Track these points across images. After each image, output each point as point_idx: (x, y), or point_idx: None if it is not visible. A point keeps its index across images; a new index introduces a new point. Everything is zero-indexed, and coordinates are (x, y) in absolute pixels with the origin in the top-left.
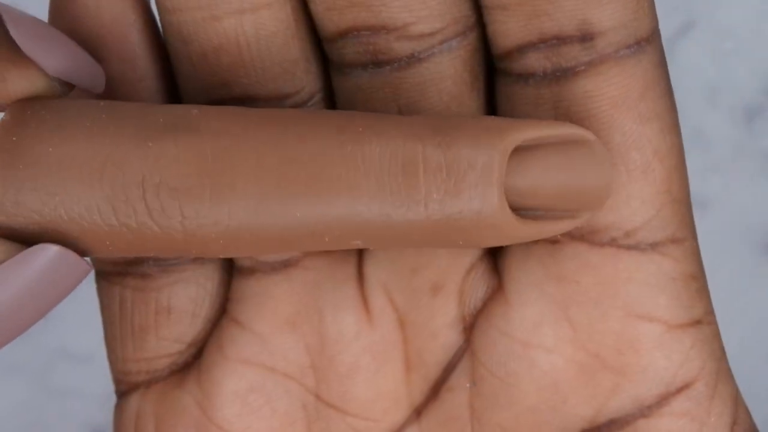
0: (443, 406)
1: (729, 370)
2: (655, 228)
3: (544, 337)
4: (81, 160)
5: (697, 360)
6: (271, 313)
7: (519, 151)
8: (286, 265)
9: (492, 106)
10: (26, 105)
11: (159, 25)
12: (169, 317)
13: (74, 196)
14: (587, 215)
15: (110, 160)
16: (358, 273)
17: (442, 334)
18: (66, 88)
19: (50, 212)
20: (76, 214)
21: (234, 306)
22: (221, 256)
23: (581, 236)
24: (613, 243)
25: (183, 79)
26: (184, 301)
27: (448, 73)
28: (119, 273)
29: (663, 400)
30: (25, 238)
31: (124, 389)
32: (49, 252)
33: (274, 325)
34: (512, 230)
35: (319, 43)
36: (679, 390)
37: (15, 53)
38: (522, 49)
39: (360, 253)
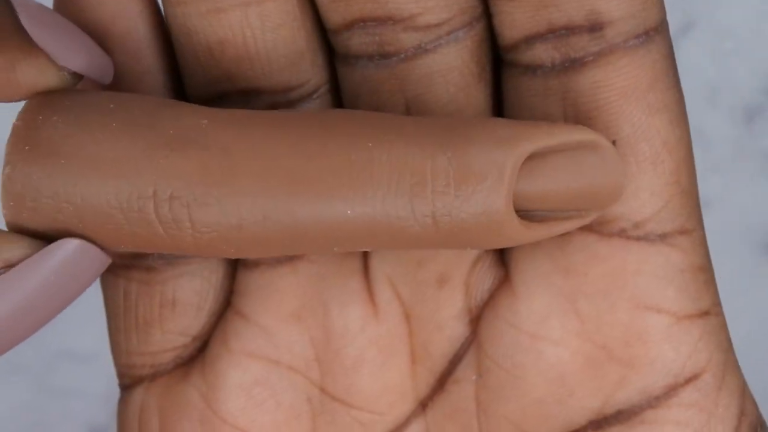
0: (449, 398)
1: (736, 362)
2: (664, 219)
3: (552, 329)
4: (94, 171)
5: (704, 351)
6: (276, 306)
7: (529, 158)
8: (291, 258)
9: (499, 97)
10: (38, 107)
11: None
12: (174, 310)
13: (87, 204)
14: (596, 215)
15: (122, 173)
16: (364, 266)
17: (448, 327)
18: (75, 79)
19: (64, 218)
20: (90, 221)
21: (239, 299)
22: (230, 257)
23: (590, 228)
24: (621, 234)
25: (188, 72)
26: (189, 294)
27: (455, 64)
28: (124, 266)
29: (671, 391)
30: (42, 237)
31: (128, 383)
32: (70, 246)
33: (279, 318)
34: (519, 236)
35: (325, 34)
36: (687, 381)
37: (26, 43)
38: (530, 40)
39: None
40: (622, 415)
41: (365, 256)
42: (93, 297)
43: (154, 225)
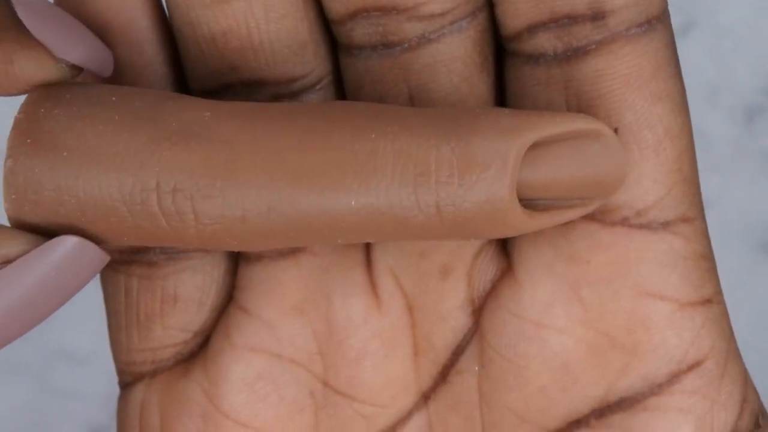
0: (452, 390)
1: (738, 350)
2: (667, 207)
3: (555, 318)
4: (97, 164)
5: (707, 339)
6: (279, 300)
7: (532, 147)
8: (293, 250)
9: (501, 87)
10: (39, 101)
11: (166, 9)
12: (176, 306)
13: (90, 197)
14: (599, 203)
15: (125, 166)
16: (366, 258)
17: (451, 318)
18: (75, 72)
19: (67, 212)
20: (92, 215)
21: (241, 293)
22: (235, 250)
23: (592, 216)
24: (624, 222)
25: (190, 64)
26: (190, 290)
27: (458, 53)
28: (124, 261)
29: (674, 377)
30: (44, 231)
31: (128, 380)
32: (68, 243)
33: (282, 312)
34: (523, 225)
35: (328, 25)
36: (690, 368)
37: (23, 35)
38: (532, 29)
39: None
40: (625, 403)
41: (368, 248)
42: (93, 297)
43: (157, 217)
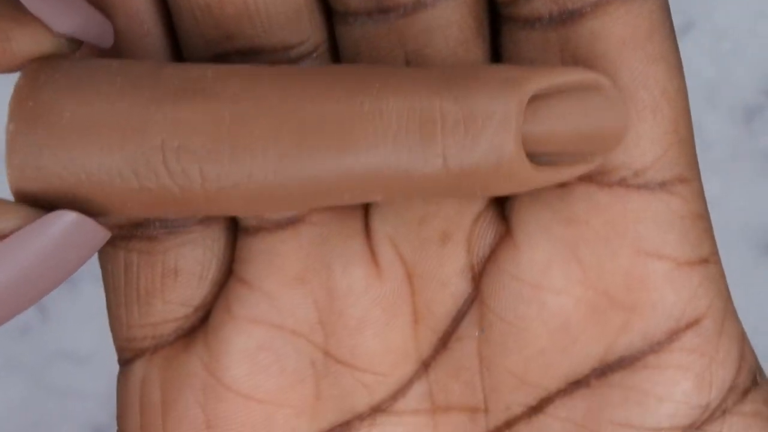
0: (452, 356)
1: (735, 310)
2: (664, 167)
3: (554, 279)
4: (100, 125)
5: (704, 297)
6: (279, 271)
7: (534, 98)
8: (292, 221)
9: (497, 52)
10: (40, 67)
11: None
12: (176, 280)
13: (95, 159)
14: (602, 157)
15: (129, 125)
16: (365, 227)
17: (451, 284)
18: (74, 45)
19: (70, 176)
20: (97, 178)
21: (240, 266)
22: (242, 215)
23: (590, 177)
24: (622, 183)
25: (185, 33)
26: (191, 264)
27: (454, 18)
28: (124, 237)
29: (673, 335)
30: (45, 203)
31: (128, 357)
32: (66, 218)
33: (282, 283)
34: (529, 178)
35: None
36: (688, 326)
37: (17, 11)
38: None
39: (366, 207)
40: (624, 361)
41: (366, 216)
42: (93, 297)
43: (162, 177)
